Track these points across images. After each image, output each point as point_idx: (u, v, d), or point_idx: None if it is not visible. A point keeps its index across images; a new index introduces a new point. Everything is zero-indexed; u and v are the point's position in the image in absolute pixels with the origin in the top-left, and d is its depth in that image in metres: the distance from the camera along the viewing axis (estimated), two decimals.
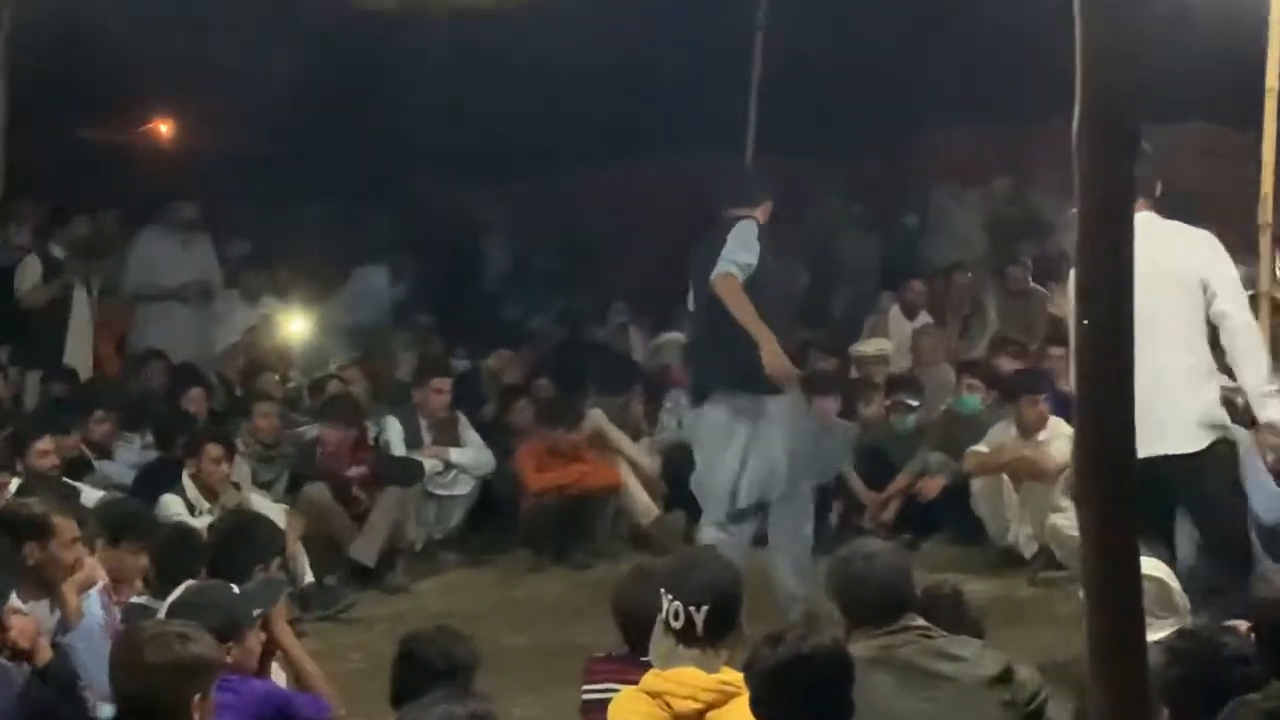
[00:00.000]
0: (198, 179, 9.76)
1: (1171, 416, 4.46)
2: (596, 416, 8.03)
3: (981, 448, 7.20)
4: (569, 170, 11.17)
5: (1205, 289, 4.64)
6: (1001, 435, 7.19)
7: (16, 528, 4.33)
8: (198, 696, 3.15)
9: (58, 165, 9.18)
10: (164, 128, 11.02)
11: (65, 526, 4.39)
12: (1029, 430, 7.04)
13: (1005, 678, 3.39)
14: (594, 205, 11.01)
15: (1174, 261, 4.57)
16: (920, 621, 3.50)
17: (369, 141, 10.29)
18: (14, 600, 3.93)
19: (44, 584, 4.24)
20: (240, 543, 4.64)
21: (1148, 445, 3.97)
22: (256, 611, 3.94)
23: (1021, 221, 10.10)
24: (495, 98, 9.53)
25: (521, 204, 11.56)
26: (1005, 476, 7.09)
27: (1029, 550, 6.93)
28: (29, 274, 8.49)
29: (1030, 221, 10.00)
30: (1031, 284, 9.34)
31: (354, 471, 7.11)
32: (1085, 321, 1.96)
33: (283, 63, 9.02)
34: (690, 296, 6.14)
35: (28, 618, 3.98)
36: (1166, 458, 4.39)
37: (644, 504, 7.77)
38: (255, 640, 3.91)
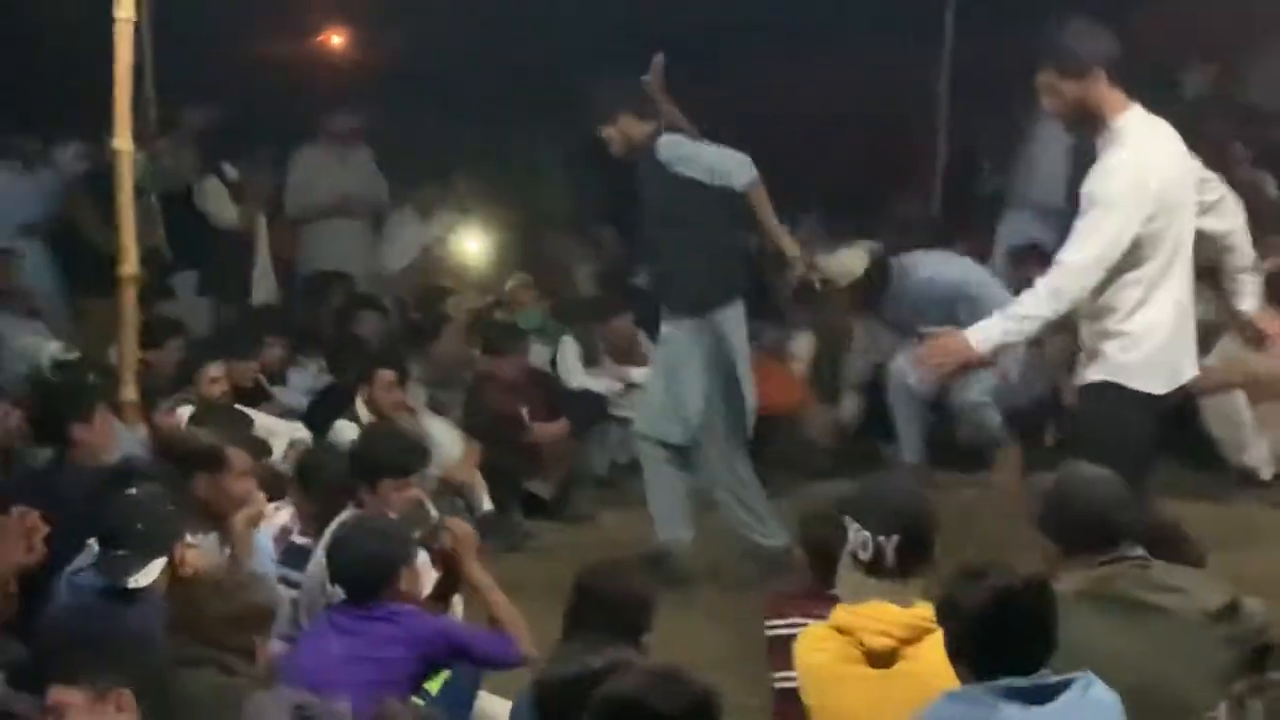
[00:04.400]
0: (361, 92, 9.87)
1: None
2: (801, 344, 8.03)
3: (1210, 361, 6.89)
4: (745, 66, 10.95)
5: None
6: (1229, 349, 6.85)
7: (187, 459, 4.49)
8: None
9: (216, 80, 9.30)
10: (326, 39, 11.14)
11: (237, 458, 4.53)
12: (1254, 342, 6.63)
13: (1230, 611, 3.28)
14: (774, 104, 10.80)
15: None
16: (1139, 551, 3.41)
17: (536, 48, 10.23)
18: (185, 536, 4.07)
19: (213, 517, 4.37)
20: (373, 452, 4.86)
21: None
22: (415, 533, 4.15)
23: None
24: None
25: (696, 105, 11.40)
26: (1239, 392, 6.83)
27: (1268, 472, 6.75)
28: (215, 196, 8.49)
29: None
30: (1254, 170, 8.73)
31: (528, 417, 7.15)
32: None
33: None
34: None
35: (200, 553, 4.09)
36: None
37: (822, 425, 7.75)
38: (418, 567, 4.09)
